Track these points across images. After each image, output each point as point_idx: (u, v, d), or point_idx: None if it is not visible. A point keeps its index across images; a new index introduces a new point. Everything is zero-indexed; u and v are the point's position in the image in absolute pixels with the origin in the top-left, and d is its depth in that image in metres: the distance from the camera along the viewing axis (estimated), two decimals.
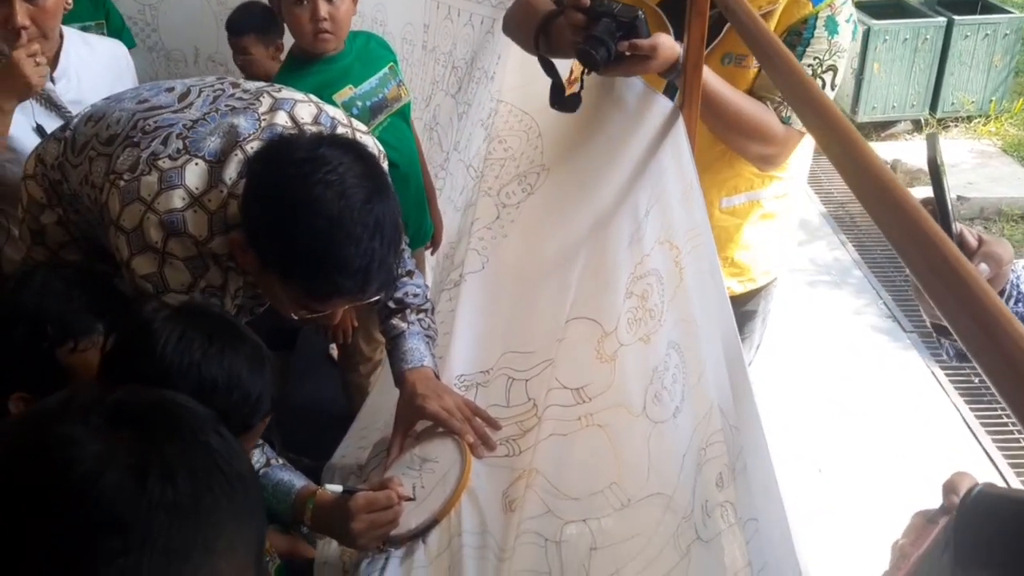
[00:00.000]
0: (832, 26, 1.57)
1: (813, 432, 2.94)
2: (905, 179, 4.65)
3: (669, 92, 1.54)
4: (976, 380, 3.17)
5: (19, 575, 0.56)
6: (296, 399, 2.64)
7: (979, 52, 5.17)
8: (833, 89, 1.62)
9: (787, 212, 1.84)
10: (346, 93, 2.14)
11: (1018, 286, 1.10)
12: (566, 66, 1.66)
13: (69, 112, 1.95)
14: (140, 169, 1.36)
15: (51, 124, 1.91)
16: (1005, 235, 4.26)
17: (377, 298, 1.44)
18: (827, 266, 4.06)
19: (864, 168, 0.77)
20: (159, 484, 0.58)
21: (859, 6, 5.17)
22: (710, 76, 1.46)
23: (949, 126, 5.32)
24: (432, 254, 2.48)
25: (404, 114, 2.29)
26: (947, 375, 3.25)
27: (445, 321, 1.73)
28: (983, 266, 1.04)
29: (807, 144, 1.72)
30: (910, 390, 3.22)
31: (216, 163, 1.37)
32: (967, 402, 3.13)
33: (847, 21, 1.58)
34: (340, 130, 1.48)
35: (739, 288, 1.82)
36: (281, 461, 1.49)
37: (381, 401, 1.84)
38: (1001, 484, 2.41)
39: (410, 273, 1.66)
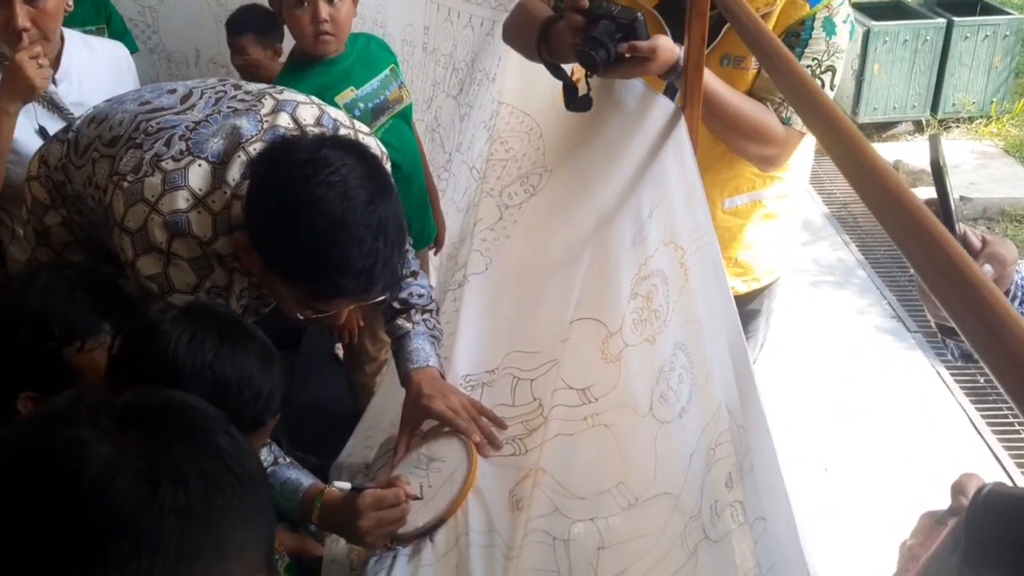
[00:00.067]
0: (830, 27, 1.57)
1: (818, 432, 2.93)
2: (907, 180, 4.65)
3: (668, 94, 1.54)
4: (981, 380, 3.17)
5: None
6: (301, 399, 2.64)
7: (979, 53, 5.17)
8: (832, 89, 1.62)
9: (789, 212, 1.85)
10: (348, 95, 2.14)
11: (1022, 286, 1.10)
12: (568, 70, 1.66)
13: (71, 114, 1.95)
14: (144, 170, 1.37)
15: (53, 126, 1.91)
16: (1008, 235, 4.25)
17: (382, 298, 1.44)
18: (830, 266, 4.06)
19: (868, 169, 0.77)
20: (171, 488, 0.58)
21: (859, 7, 5.18)
22: (710, 77, 1.46)
23: (950, 127, 5.32)
24: (435, 255, 2.49)
25: (406, 116, 2.29)
26: (952, 375, 3.24)
27: (450, 322, 1.73)
28: (987, 267, 1.04)
29: (808, 144, 1.73)
30: (915, 390, 3.22)
31: (219, 164, 1.37)
32: (972, 401, 3.12)
33: (844, 22, 1.59)
34: (342, 131, 1.48)
35: (743, 288, 1.83)
36: (288, 460, 1.50)
37: (387, 401, 1.84)
38: (1008, 483, 2.41)
39: (415, 274, 1.66)
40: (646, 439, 1.30)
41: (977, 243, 1.07)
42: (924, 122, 5.32)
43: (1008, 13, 5.24)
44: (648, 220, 1.46)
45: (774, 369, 2.81)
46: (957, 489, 1.03)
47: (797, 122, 1.59)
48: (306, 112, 1.47)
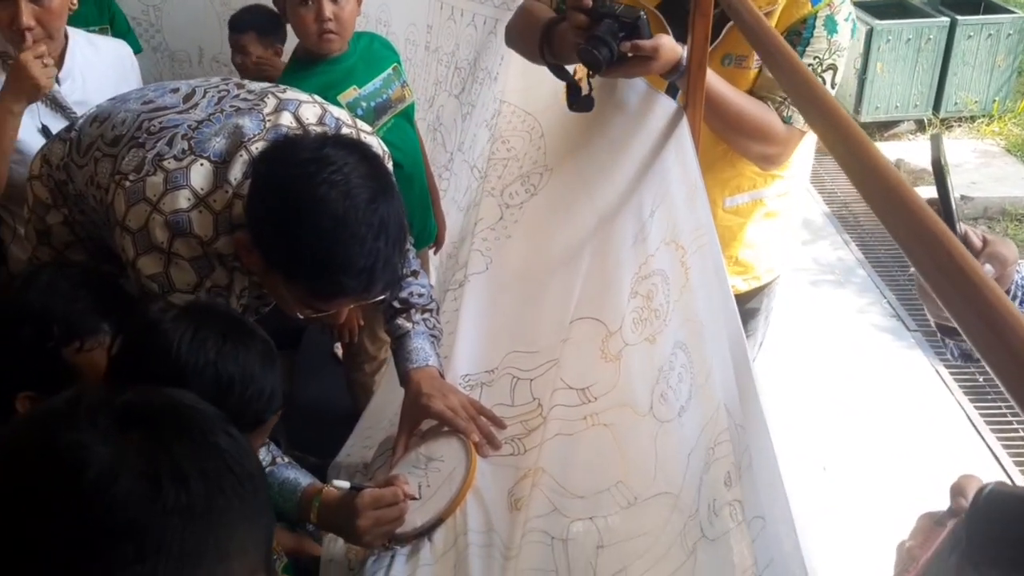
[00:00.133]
0: (831, 25, 1.57)
1: (817, 431, 2.93)
2: (909, 179, 4.64)
3: (670, 93, 1.54)
4: (981, 379, 3.17)
5: None
6: (301, 398, 2.64)
7: (982, 52, 5.17)
8: (833, 88, 1.63)
9: (789, 210, 1.85)
10: (350, 94, 2.14)
11: (1023, 286, 1.10)
12: (571, 71, 1.66)
13: (74, 113, 1.95)
14: (146, 169, 1.37)
15: (56, 125, 1.91)
16: (1009, 235, 4.25)
17: (382, 298, 1.44)
18: (831, 265, 4.05)
19: (870, 168, 0.77)
20: (172, 488, 0.57)
21: (862, 6, 5.17)
22: (712, 77, 1.46)
23: (952, 126, 5.31)
24: (436, 254, 2.49)
25: (408, 115, 2.29)
26: (951, 373, 3.24)
27: (450, 321, 1.73)
28: (988, 266, 1.04)
29: (808, 143, 1.73)
30: (914, 388, 3.22)
31: (221, 164, 1.37)
32: (972, 400, 3.12)
33: (846, 20, 1.59)
34: (344, 130, 1.48)
35: (743, 286, 1.83)
36: (287, 459, 1.50)
37: (386, 400, 1.85)
38: (1008, 483, 2.41)
39: (415, 273, 1.66)
40: (646, 438, 1.30)
41: (978, 242, 1.07)
42: (926, 121, 5.32)
43: (1012, 12, 5.24)
44: (650, 219, 1.46)
45: (773, 368, 2.82)
46: (956, 491, 1.03)
47: (798, 121, 1.60)
48: (309, 111, 1.47)
